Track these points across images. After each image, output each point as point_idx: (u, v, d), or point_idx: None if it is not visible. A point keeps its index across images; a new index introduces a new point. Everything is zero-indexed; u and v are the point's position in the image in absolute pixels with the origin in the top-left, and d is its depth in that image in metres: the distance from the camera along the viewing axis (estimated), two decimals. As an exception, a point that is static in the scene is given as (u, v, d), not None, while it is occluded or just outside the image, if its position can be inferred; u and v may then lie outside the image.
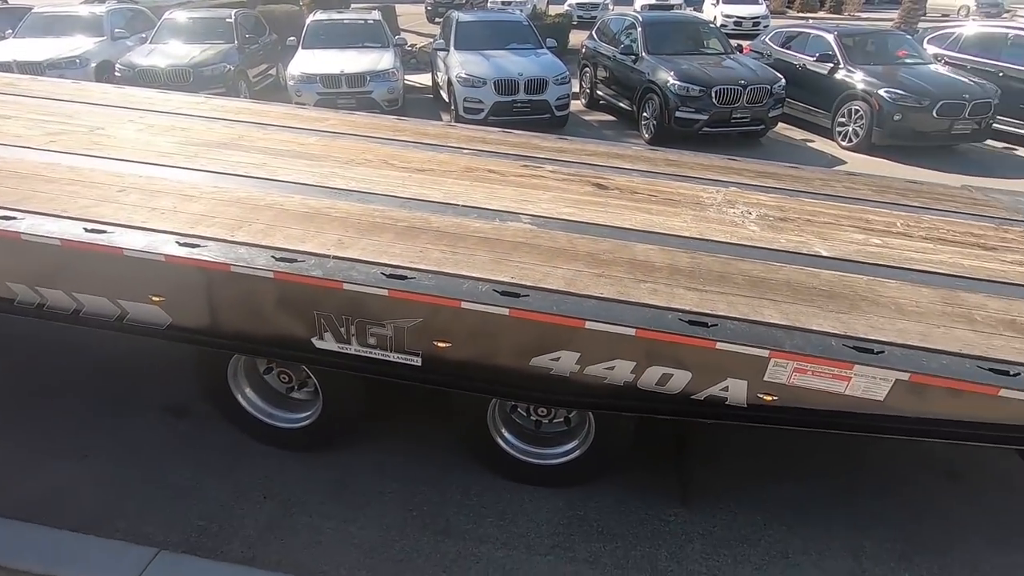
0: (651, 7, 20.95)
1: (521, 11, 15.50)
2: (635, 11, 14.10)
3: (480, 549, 2.68)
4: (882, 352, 2.22)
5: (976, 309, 2.56)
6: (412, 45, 14.55)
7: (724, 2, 21.00)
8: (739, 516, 2.88)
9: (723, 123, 8.35)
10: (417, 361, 2.51)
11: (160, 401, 3.46)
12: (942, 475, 3.17)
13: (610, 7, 21.26)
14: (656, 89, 8.58)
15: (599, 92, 10.53)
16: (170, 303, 2.63)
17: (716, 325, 2.28)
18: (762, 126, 8.69)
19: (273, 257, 2.47)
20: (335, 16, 11.05)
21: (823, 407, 2.31)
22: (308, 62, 9.12)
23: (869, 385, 2.21)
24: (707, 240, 2.99)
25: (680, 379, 2.34)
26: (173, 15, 10.67)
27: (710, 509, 2.90)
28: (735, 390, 2.33)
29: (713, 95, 8.20)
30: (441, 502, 2.90)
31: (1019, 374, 2.16)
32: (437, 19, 19.00)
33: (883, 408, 2.25)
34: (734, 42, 10.48)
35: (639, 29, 9.58)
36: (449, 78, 9.04)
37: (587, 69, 10.97)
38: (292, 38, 10.22)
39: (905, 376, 2.16)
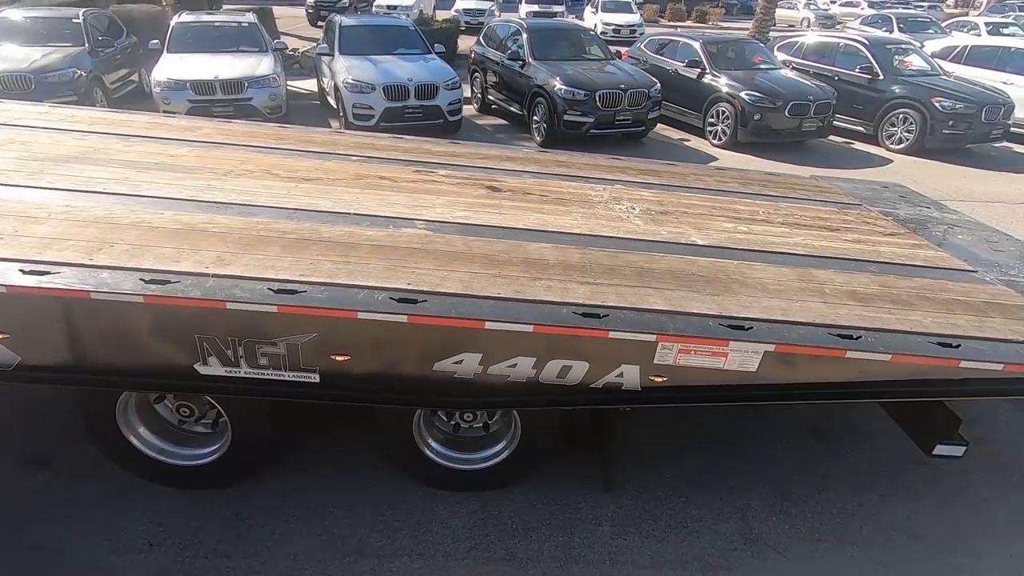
0: (535, 14, 21.60)
1: (407, 16, 15.35)
2: (520, 18, 14.47)
3: (395, 563, 2.63)
4: (752, 328, 2.46)
5: (825, 283, 2.92)
6: (294, 50, 13.89)
7: (603, 11, 22.14)
8: (642, 494, 3.05)
9: (608, 125, 8.81)
10: (315, 378, 2.41)
11: (15, 452, 3.03)
12: (807, 433, 3.56)
13: (496, 13, 21.64)
14: (544, 93, 8.87)
15: (490, 97, 10.69)
16: (17, 340, 2.31)
17: (608, 315, 2.41)
18: (643, 127, 9.27)
19: (142, 280, 2.26)
20: (204, 18, 10.29)
21: (706, 383, 2.51)
22: (176, 67, 8.41)
23: (743, 359, 2.44)
24: (596, 236, 3.15)
25: (579, 370, 2.45)
26: (5, 14, 9.38)
27: (616, 491, 3.05)
28: (629, 375, 2.47)
29: (597, 99, 8.62)
30: (352, 522, 2.80)
31: (860, 337, 2.49)
32: (319, 22, 18.29)
33: (756, 378, 2.49)
34: (613, 48, 11.10)
35: (525, 35, 9.85)
36: (335, 84, 8.74)
37: (477, 74, 11.09)
38: (155, 41, 9.37)
39: (772, 348, 2.41)
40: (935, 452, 2.79)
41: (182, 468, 2.86)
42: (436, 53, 9.71)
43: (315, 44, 11.76)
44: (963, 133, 9.34)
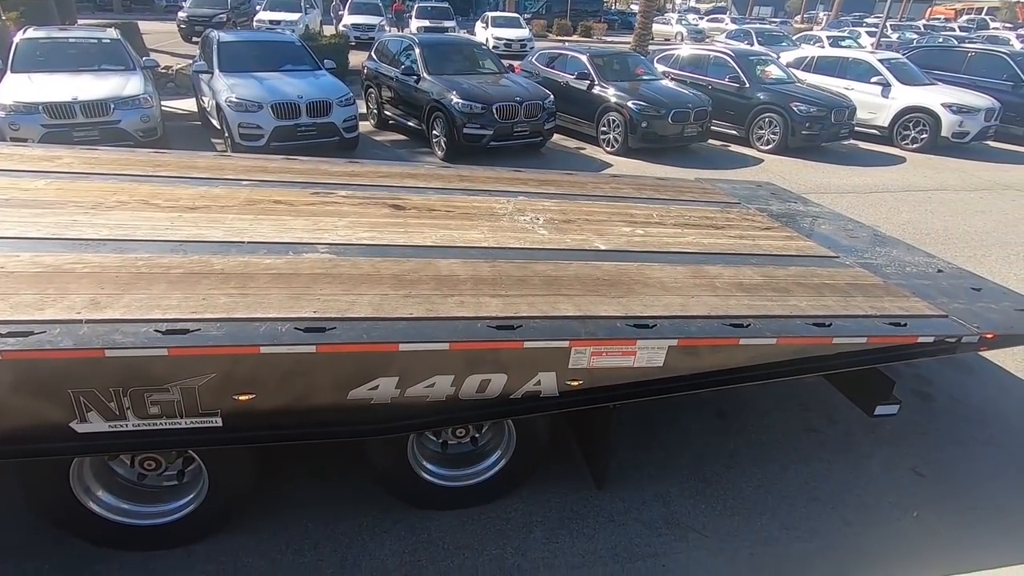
0: (427, 29, 21.64)
1: (292, 31, 14.77)
2: (412, 32, 14.40)
3: (323, 606, 2.49)
4: (655, 325, 2.61)
5: (716, 278, 3.16)
6: (167, 67, 12.88)
7: (493, 26, 22.64)
8: (568, 495, 3.12)
9: (506, 136, 8.99)
10: (216, 422, 2.24)
11: None
12: (715, 416, 3.82)
13: (387, 28, 21.40)
14: (442, 108, 8.89)
15: (387, 112, 10.54)
16: None
17: (521, 326, 2.45)
18: (540, 138, 9.56)
19: (-4, 334, 1.98)
20: (56, 33, 9.25)
21: (619, 381, 2.63)
22: (24, 88, 7.49)
23: (650, 355, 2.57)
24: (504, 248, 3.19)
25: (498, 382, 2.46)
26: None
27: (543, 496, 3.09)
28: (547, 382, 2.52)
29: (495, 111, 8.78)
30: (270, 569, 2.61)
31: (750, 325, 2.72)
32: (194, 38, 17.11)
33: (664, 372, 2.64)
34: (505, 62, 11.36)
35: (417, 50, 9.83)
36: (217, 103, 8.21)
37: (371, 90, 10.90)
38: (-5, 60, 8.30)
39: (675, 342, 2.57)
40: (876, 413, 3.14)
41: (151, 528, 2.58)
42: (326, 69, 9.42)
43: (191, 61, 10.99)
44: (818, 133, 10.53)
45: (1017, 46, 21.12)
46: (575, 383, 2.56)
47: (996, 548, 2.96)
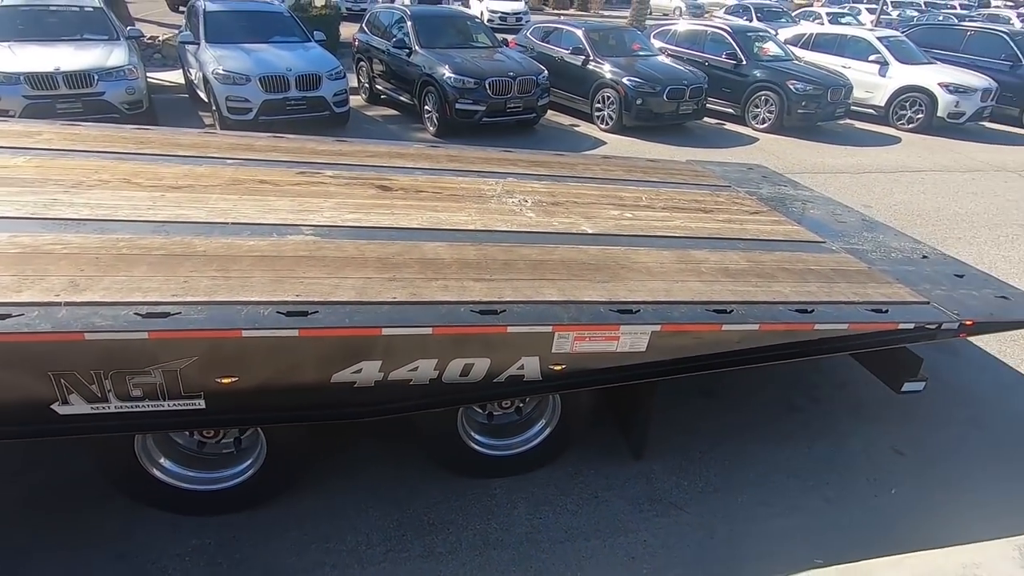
0: (420, 0, 21.09)
1: (282, 1, 14.36)
2: (404, 3, 14.06)
3: (308, 582, 2.54)
4: (639, 311, 2.62)
5: (702, 263, 3.16)
6: (153, 38, 12.55)
7: (488, -2, 22.07)
8: (554, 471, 3.17)
9: (500, 112, 8.87)
10: (200, 404, 2.25)
11: None
12: (700, 395, 3.87)
13: (379, -1, 20.83)
14: (434, 82, 8.74)
15: (378, 86, 10.36)
16: None
17: (505, 311, 2.46)
18: (534, 114, 9.43)
19: (-27, 317, 1.97)
20: (36, 0, 8.98)
21: (602, 365, 2.65)
22: (4, 58, 7.30)
23: (633, 340, 2.59)
24: (491, 231, 3.18)
25: (481, 367, 2.48)
26: None
27: (528, 473, 3.14)
28: (530, 366, 2.54)
29: (487, 87, 8.65)
30: (254, 544, 2.66)
31: (733, 311, 2.74)
32: (181, 8, 16.60)
33: (647, 357, 2.66)
34: (500, 36, 11.14)
35: (409, 23, 9.61)
36: (204, 75, 8.04)
37: (363, 63, 10.69)
38: (-30, 28, 8.05)
39: (658, 328, 2.59)
40: (903, 389, 3.21)
41: (211, 493, 2.70)
42: (316, 41, 9.22)
43: (177, 32, 10.72)
44: (814, 112, 10.45)
45: (1017, 25, 20.88)
46: (558, 368, 2.58)
47: (970, 525, 3.04)
